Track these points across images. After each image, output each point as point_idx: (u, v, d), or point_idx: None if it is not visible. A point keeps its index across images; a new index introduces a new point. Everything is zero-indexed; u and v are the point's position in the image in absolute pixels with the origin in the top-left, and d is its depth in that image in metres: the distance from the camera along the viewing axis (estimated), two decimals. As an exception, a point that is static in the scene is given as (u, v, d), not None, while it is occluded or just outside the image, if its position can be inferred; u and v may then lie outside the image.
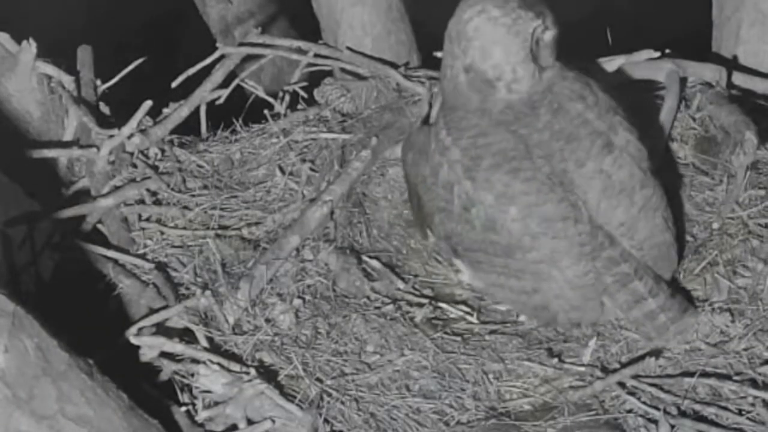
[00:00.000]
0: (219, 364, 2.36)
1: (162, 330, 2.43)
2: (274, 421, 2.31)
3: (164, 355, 2.40)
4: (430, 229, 2.50)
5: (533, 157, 2.33)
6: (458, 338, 2.47)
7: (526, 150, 2.34)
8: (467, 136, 2.36)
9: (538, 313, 2.43)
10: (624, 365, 2.37)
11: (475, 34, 2.31)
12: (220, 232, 2.65)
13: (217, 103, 2.97)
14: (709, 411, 2.28)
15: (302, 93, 3.04)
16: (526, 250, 2.34)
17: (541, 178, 2.33)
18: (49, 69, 2.88)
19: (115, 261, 2.60)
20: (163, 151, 2.85)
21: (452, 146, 2.37)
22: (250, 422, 2.32)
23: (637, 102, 2.86)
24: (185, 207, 2.72)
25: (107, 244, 2.64)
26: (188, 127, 2.93)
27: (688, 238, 2.60)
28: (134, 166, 2.79)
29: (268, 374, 2.36)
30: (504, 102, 2.35)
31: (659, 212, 2.40)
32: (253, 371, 2.34)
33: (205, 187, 2.77)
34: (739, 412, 2.28)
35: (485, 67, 2.32)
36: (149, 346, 2.39)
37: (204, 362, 2.36)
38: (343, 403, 2.34)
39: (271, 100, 3.03)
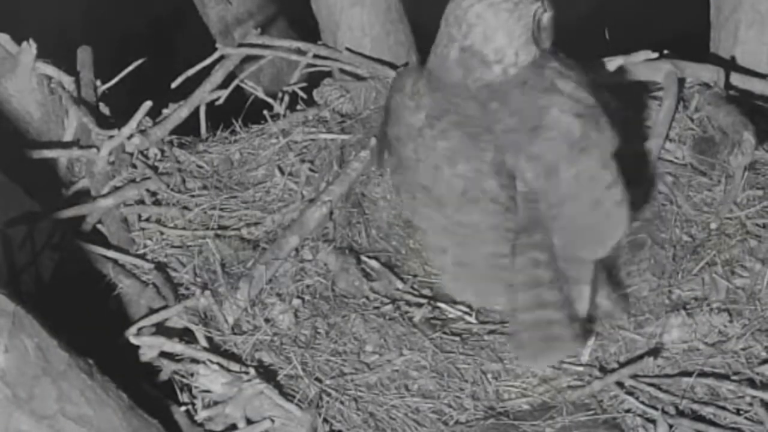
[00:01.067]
0: (218, 363, 2.36)
1: (162, 330, 2.43)
2: (273, 421, 2.31)
3: (164, 354, 2.40)
4: (386, 155, 2.53)
5: (493, 132, 2.35)
6: (457, 338, 2.47)
7: (488, 126, 2.35)
8: (442, 94, 2.39)
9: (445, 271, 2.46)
10: (622, 365, 2.38)
11: (477, 21, 2.34)
12: (219, 232, 2.65)
13: (217, 103, 2.97)
14: (707, 411, 2.29)
15: (301, 94, 3.04)
16: (454, 210, 2.35)
17: (489, 150, 2.34)
18: (49, 70, 2.88)
19: (115, 261, 2.60)
20: (162, 151, 2.85)
21: (426, 95, 2.40)
22: (249, 422, 2.32)
23: (635, 102, 2.87)
24: (185, 207, 2.72)
25: (107, 245, 2.64)
26: (188, 128, 2.93)
27: (687, 238, 2.61)
28: (134, 166, 2.79)
29: (267, 374, 2.37)
30: (484, 81, 2.37)
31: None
32: (252, 371, 2.35)
33: (205, 187, 2.78)
34: (737, 412, 2.29)
35: (487, 50, 2.36)
36: (149, 346, 2.40)
37: (203, 362, 2.37)
38: (342, 402, 2.34)
39: (270, 100, 3.03)
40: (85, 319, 2.49)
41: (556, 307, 2.29)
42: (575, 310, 2.32)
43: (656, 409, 2.29)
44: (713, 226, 2.59)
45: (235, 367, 2.37)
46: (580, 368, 2.39)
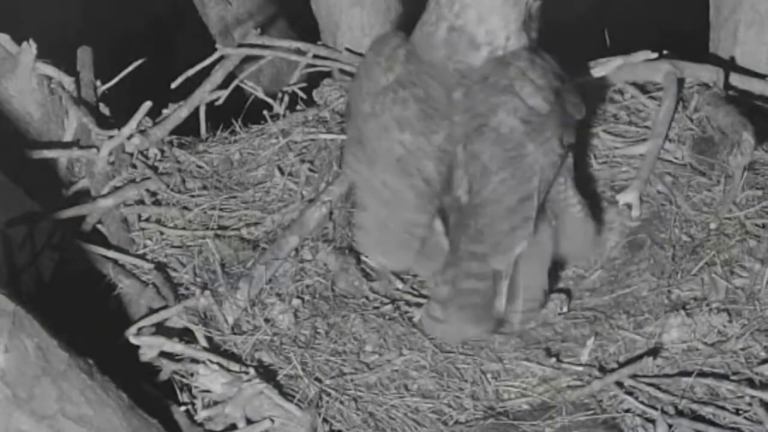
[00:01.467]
0: (218, 363, 2.37)
1: (161, 330, 2.44)
2: (273, 421, 2.32)
3: (164, 354, 2.40)
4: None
5: (450, 117, 2.38)
6: (456, 338, 2.48)
7: (446, 112, 2.38)
8: (416, 68, 2.41)
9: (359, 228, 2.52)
10: (622, 365, 2.38)
11: (472, 2, 2.37)
12: (219, 232, 2.66)
13: (217, 103, 2.97)
14: (707, 410, 2.29)
15: (301, 94, 3.04)
16: (383, 171, 2.41)
17: (440, 134, 2.38)
18: (50, 70, 2.88)
19: (115, 261, 2.61)
20: (162, 151, 2.85)
21: (401, 64, 2.43)
22: (249, 422, 2.33)
23: (634, 103, 2.88)
24: (185, 207, 2.72)
25: (107, 245, 2.65)
26: (188, 128, 2.93)
27: (686, 238, 2.61)
28: (134, 166, 2.79)
29: (267, 374, 2.37)
30: (466, 64, 2.39)
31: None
32: (252, 371, 2.35)
33: (205, 187, 2.78)
34: (737, 412, 2.29)
35: (478, 31, 2.38)
36: (149, 346, 2.40)
37: (203, 362, 2.37)
38: (341, 402, 2.34)
39: (270, 100, 3.04)
40: (85, 319, 2.50)
41: (483, 294, 2.37)
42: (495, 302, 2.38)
43: (656, 408, 2.29)
44: (712, 226, 2.59)
45: (234, 367, 2.37)
46: (580, 368, 2.39)
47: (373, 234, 2.48)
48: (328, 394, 2.35)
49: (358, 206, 2.54)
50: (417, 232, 2.42)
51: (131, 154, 2.81)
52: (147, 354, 2.41)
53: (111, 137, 2.79)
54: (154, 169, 2.79)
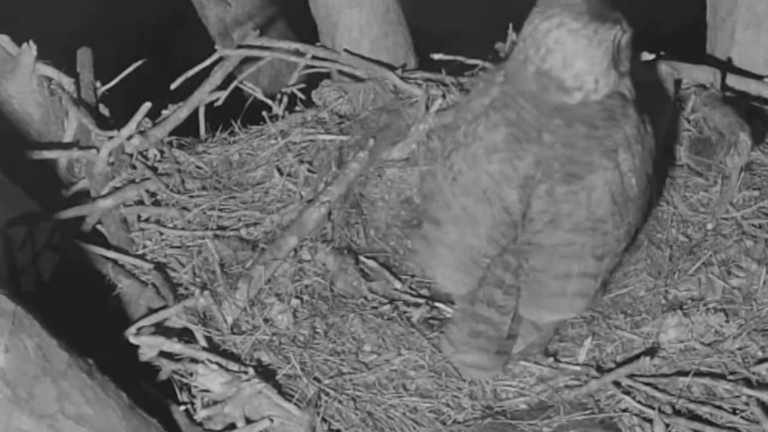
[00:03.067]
0: (217, 363, 2.37)
1: (161, 330, 2.44)
2: (272, 420, 2.32)
3: (163, 354, 2.41)
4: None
5: (540, 141, 2.36)
6: (455, 338, 2.48)
7: (537, 134, 2.36)
8: (511, 89, 2.39)
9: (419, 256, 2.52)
10: (619, 365, 2.38)
11: (556, 46, 2.33)
12: (218, 232, 2.66)
13: (216, 104, 2.97)
14: (704, 410, 2.30)
15: (300, 95, 3.04)
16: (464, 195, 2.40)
17: (526, 160, 2.35)
18: (50, 71, 2.88)
19: (115, 261, 2.61)
20: (162, 152, 2.85)
21: (498, 85, 2.42)
22: (248, 421, 2.33)
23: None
24: (184, 208, 2.72)
25: (107, 245, 2.65)
26: (187, 129, 2.93)
27: (683, 238, 2.61)
28: (133, 167, 2.79)
29: (266, 373, 2.38)
30: (562, 102, 2.36)
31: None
32: (251, 370, 2.35)
33: (204, 188, 2.78)
34: (734, 411, 2.30)
35: (565, 76, 2.34)
36: (148, 346, 2.41)
37: (203, 362, 2.37)
38: (340, 402, 2.35)
39: (269, 101, 3.03)
40: (85, 319, 2.50)
41: (496, 327, 2.36)
42: (510, 345, 2.38)
43: (653, 408, 2.29)
44: (710, 226, 2.60)
45: (234, 366, 2.37)
46: (577, 368, 2.40)
47: (437, 252, 2.46)
48: (327, 394, 2.36)
49: (429, 218, 2.49)
50: (482, 261, 2.40)
51: (131, 155, 2.81)
52: (146, 354, 2.41)
53: (111, 138, 2.80)
54: (154, 169, 2.79)
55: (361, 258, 2.64)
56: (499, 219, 2.37)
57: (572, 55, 2.32)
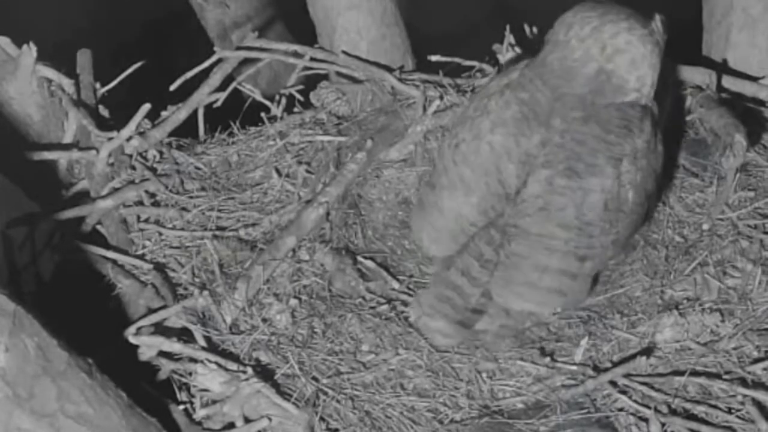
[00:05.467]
0: (216, 363, 2.38)
1: (160, 329, 2.45)
2: (270, 420, 2.32)
3: (163, 354, 2.42)
4: None
5: (548, 125, 2.42)
6: (452, 338, 2.49)
7: (546, 117, 2.41)
8: (531, 73, 2.46)
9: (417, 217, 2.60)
10: (615, 364, 2.39)
11: (626, 47, 2.39)
12: (217, 233, 2.67)
13: (215, 106, 2.97)
14: (700, 409, 2.30)
15: (298, 96, 3.05)
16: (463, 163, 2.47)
17: (532, 139, 2.42)
18: (50, 72, 2.89)
19: (114, 261, 2.62)
20: (161, 153, 2.86)
21: (518, 71, 2.49)
22: (247, 420, 2.34)
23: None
24: (183, 208, 2.73)
25: (106, 245, 2.66)
26: (186, 130, 2.94)
27: (679, 239, 2.62)
28: (133, 168, 2.80)
29: (264, 373, 2.38)
30: (609, 102, 2.41)
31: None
32: (250, 370, 2.36)
33: (203, 188, 2.79)
34: (729, 411, 2.30)
35: (630, 77, 2.41)
36: (148, 346, 2.41)
37: (202, 361, 2.38)
38: (338, 401, 2.35)
39: (267, 103, 3.04)
40: (85, 319, 2.50)
41: (464, 297, 2.42)
42: (474, 319, 2.43)
43: (649, 407, 2.30)
44: (705, 227, 2.61)
45: (232, 366, 2.38)
46: (574, 367, 2.40)
47: (428, 214, 2.54)
48: (325, 393, 2.36)
49: (427, 182, 2.61)
50: (468, 230, 2.47)
51: (130, 156, 2.82)
52: (146, 353, 2.41)
53: (110, 139, 2.80)
54: (153, 170, 2.80)
55: (359, 258, 2.65)
56: (493, 190, 2.44)
57: (640, 58, 2.40)
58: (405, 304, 2.57)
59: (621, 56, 2.40)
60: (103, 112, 2.95)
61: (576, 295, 2.47)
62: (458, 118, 2.58)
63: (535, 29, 3.12)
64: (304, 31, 3.25)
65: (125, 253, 2.64)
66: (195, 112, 2.95)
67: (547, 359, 2.43)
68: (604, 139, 2.39)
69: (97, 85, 2.98)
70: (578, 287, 2.45)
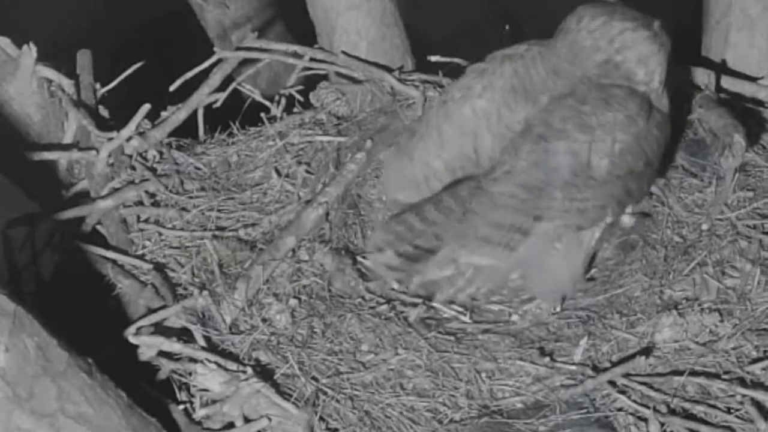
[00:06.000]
0: (216, 363, 2.38)
1: (160, 329, 2.45)
2: (270, 419, 2.33)
3: (162, 354, 2.42)
4: None
5: (534, 103, 2.47)
6: (451, 338, 2.49)
7: (536, 95, 2.47)
8: (536, 51, 2.51)
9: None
10: (614, 364, 2.39)
11: (633, 44, 2.45)
12: (217, 233, 2.67)
13: (215, 106, 2.98)
14: (699, 409, 2.30)
15: (298, 96, 3.05)
16: (447, 122, 2.55)
17: (514, 115, 2.48)
18: (49, 73, 2.89)
19: (114, 261, 2.62)
20: (161, 153, 2.86)
21: (523, 46, 2.55)
22: (246, 420, 2.34)
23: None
24: (183, 208, 2.73)
25: (106, 245, 2.66)
26: (186, 130, 2.94)
27: (678, 239, 2.63)
28: (133, 168, 2.80)
29: (264, 373, 2.38)
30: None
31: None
32: (249, 370, 2.36)
33: (203, 188, 2.79)
34: (728, 411, 2.30)
35: (638, 70, 2.46)
36: (148, 346, 2.41)
37: (201, 361, 2.38)
38: (338, 401, 2.36)
39: (267, 103, 3.05)
40: (85, 318, 2.51)
41: (413, 231, 2.47)
42: (423, 257, 2.48)
43: (648, 407, 2.30)
44: (704, 227, 2.61)
45: (232, 366, 2.38)
46: (573, 367, 2.41)
47: (400, 160, 2.62)
48: (325, 393, 2.36)
49: (408, 129, 2.68)
50: (433, 184, 2.54)
51: (130, 156, 2.83)
52: (146, 353, 2.42)
53: (110, 139, 2.81)
54: (153, 170, 2.81)
55: (359, 258, 2.65)
56: (465, 152, 2.50)
57: (646, 55, 2.46)
58: (404, 304, 2.57)
59: (629, 51, 2.45)
60: (103, 112, 2.96)
61: (531, 255, 2.48)
62: (458, 78, 2.63)
63: (533, 30, 3.12)
64: (303, 32, 3.25)
65: (125, 253, 2.64)
66: (195, 113, 2.95)
67: (547, 359, 2.43)
68: (576, 108, 2.43)
69: (97, 86, 2.98)
70: (533, 248, 2.46)
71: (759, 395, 2.30)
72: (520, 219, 2.44)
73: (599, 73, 2.46)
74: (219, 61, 3.00)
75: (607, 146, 2.42)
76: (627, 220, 2.67)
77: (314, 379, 2.39)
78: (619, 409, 2.33)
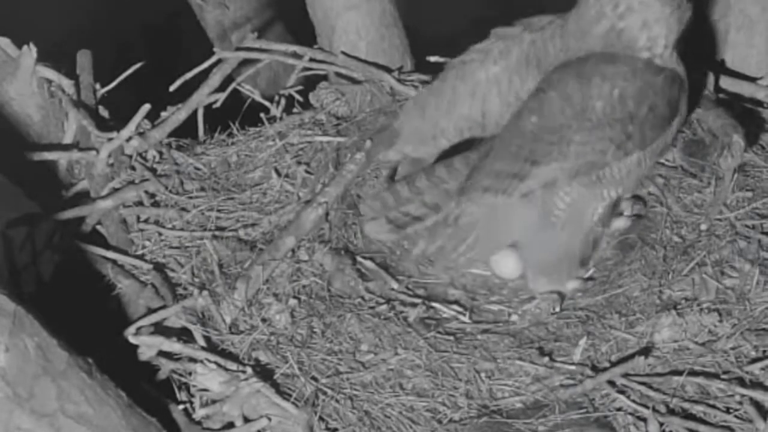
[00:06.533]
0: (216, 362, 2.38)
1: (160, 329, 2.46)
2: (270, 419, 2.33)
3: (162, 354, 2.42)
4: None
5: (538, 72, 2.48)
6: (451, 337, 2.49)
7: (548, 67, 2.46)
8: (557, 26, 2.49)
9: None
10: (614, 364, 2.39)
11: (639, 7, 2.41)
12: (217, 233, 2.67)
13: (215, 106, 2.98)
14: (698, 409, 2.30)
15: (298, 97, 3.05)
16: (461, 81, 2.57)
17: (524, 85, 2.49)
18: (50, 73, 2.90)
19: (114, 261, 2.62)
20: (161, 153, 2.87)
21: (547, 20, 2.53)
22: (246, 420, 2.34)
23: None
24: (183, 209, 2.74)
25: (106, 245, 2.66)
26: (186, 130, 2.94)
27: (677, 239, 2.63)
28: (133, 168, 2.81)
29: (264, 373, 2.39)
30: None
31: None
32: (249, 370, 2.37)
33: (203, 189, 2.79)
34: (727, 410, 2.30)
35: (640, 35, 2.42)
36: (148, 346, 2.42)
37: (201, 361, 2.38)
38: (337, 401, 2.36)
39: (267, 103, 3.05)
40: (85, 319, 2.51)
41: (398, 200, 2.48)
42: (409, 223, 2.48)
43: (647, 407, 2.30)
44: (703, 227, 2.61)
45: (232, 366, 2.38)
46: (572, 367, 2.41)
47: (412, 110, 2.64)
48: (324, 393, 2.37)
49: (428, 85, 2.69)
50: (440, 142, 2.57)
51: (130, 156, 2.83)
52: (146, 353, 2.42)
53: (110, 139, 2.81)
54: (153, 170, 2.81)
55: (358, 258, 2.65)
56: (474, 115, 2.51)
57: (654, 18, 2.40)
58: (404, 304, 2.57)
59: (634, 15, 2.41)
60: (103, 112, 2.96)
61: (530, 224, 2.49)
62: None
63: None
64: (303, 32, 3.26)
65: (125, 253, 2.64)
66: (194, 113, 2.96)
67: (546, 359, 2.43)
68: (577, 64, 2.43)
69: (97, 86, 2.98)
70: (531, 216, 2.48)
71: (758, 395, 2.30)
72: (517, 165, 2.43)
73: (602, 45, 2.43)
74: (219, 61, 3.01)
75: (604, 91, 2.39)
76: (622, 222, 2.68)
77: (314, 379, 2.39)
78: (618, 409, 2.33)
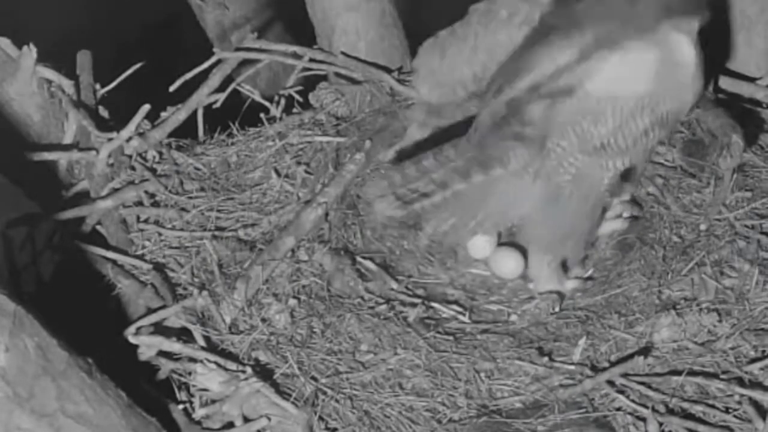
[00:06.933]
0: (216, 362, 2.38)
1: (160, 329, 2.46)
2: (269, 419, 2.33)
3: (162, 354, 2.42)
4: None
5: None
6: (450, 337, 2.49)
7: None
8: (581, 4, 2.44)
9: None
10: (613, 364, 2.39)
11: None
12: (216, 233, 2.67)
13: (214, 106, 2.98)
14: (697, 409, 2.30)
15: (297, 97, 3.05)
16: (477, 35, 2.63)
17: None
18: (50, 73, 2.90)
19: (114, 261, 2.62)
20: (161, 153, 2.87)
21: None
22: (246, 420, 2.34)
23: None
24: (183, 209, 2.74)
25: (106, 245, 2.66)
26: (186, 131, 2.95)
27: (676, 239, 2.63)
28: (133, 168, 2.81)
29: (263, 373, 2.39)
30: None
31: None
32: (249, 370, 2.37)
33: (202, 189, 2.80)
34: (726, 410, 2.30)
35: None
36: (147, 345, 2.42)
37: (201, 361, 2.39)
38: (337, 401, 2.36)
39: (267, 103, 3.05)
40: (85, 319, 2.51)
41: (405, 178, 2.43)
42: (416, 199, 2.43)
43: (646, 407, 2.30)
44: (702, 227, 2.62)
45: (232, 366, 2.38)
46: (572, 367, 2.41)
47: (433, 56, 2.67)
48: (324, 393, 2.37)
49: (452, 30, 2.71)
50: (459, 90, 2.62)
51: (130, 157, 2.83)
52: (145, 353, 2.42)
53: (110, 140, 2.81)
54: (153, 171, 2.81)
55: (358, 258, 2.66)
56: (488, 66, 2.53)
57: None
58: (404, 304, 2.57)
59: None
60: (103, 112, 2.96)
61: (535, 198, 2.48)
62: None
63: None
64: (303, 32, 3.26)
65: (125, 253, 2.64)
66: (194, 113, 2.96)
67: (545, 359, 2.43)
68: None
69: (97, 86, 2.98)
70: (537, 189, 2.45)
71: (757, 395, 2.30)
72: (512, 131, 2.42)
73: None
74: (218, 61, 3.01)
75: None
76: (619, 224, 2.68)
77: (313, 378, 2.39)
78: (618, 409, 2.33)
